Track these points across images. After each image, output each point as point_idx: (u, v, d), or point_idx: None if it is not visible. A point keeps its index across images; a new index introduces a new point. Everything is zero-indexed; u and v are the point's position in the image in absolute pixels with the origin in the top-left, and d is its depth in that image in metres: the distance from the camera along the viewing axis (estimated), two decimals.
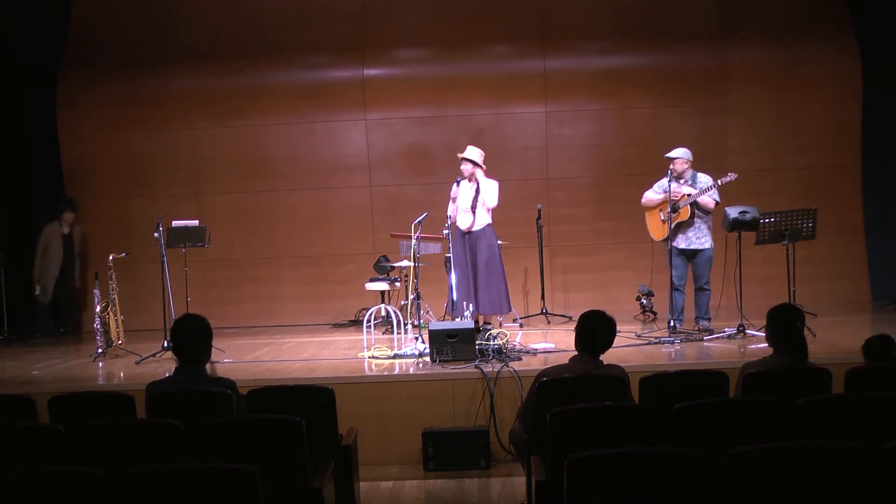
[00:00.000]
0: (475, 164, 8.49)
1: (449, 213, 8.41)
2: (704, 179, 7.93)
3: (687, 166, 8.01)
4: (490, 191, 8.48)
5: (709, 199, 7.87)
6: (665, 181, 7.95)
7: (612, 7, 10.81)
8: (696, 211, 7.92)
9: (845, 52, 10.59)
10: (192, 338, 4.33)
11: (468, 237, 8.51)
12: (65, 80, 10.92)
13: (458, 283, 8.22)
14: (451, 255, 8.07)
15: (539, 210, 9.96)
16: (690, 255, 8.04)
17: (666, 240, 7.99)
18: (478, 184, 8.49)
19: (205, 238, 8.39)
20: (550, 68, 10.85)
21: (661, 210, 8.10)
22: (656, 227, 8.20)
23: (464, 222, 8.50)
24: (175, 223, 8.31)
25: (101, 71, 10.89)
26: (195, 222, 8.60)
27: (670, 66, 10.78)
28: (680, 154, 8.04)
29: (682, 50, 10.80)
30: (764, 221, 7.65)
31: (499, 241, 8.86)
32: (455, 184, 8.50)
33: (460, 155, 8.56)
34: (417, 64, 11.10)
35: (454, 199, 8.45)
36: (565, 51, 10.89)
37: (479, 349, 6.70)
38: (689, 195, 7.84)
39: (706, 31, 10.78)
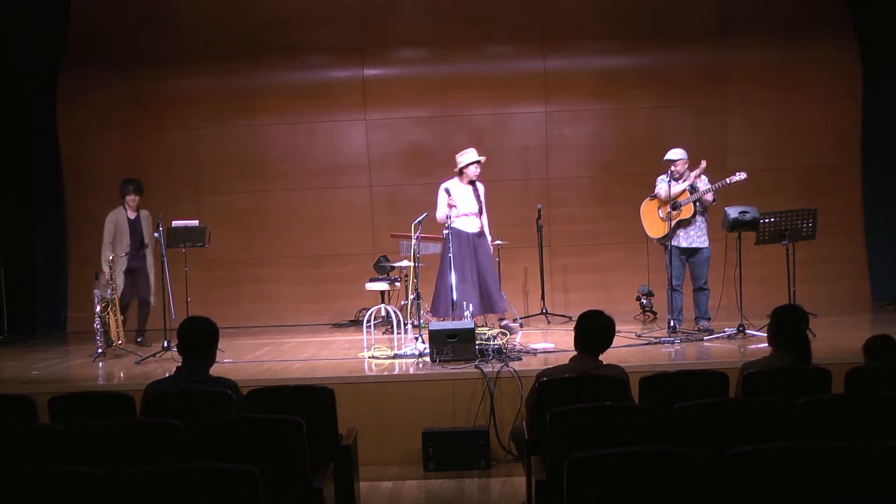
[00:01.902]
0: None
1: (440, 215, 8.14)
2: (704, 178, 7.96)
3: (687, 167, 8.04)
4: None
5: (709, 195, 7.91)
6: (664, 178, 7.97)
7: (612, 7, 10.81)
8: (698, 207, 7.94)
9: (845, 52, 10.59)
10: (197, 337, 4.34)
11: (478, 239, 8.32)
12: (65, 80, 10.91)
13: (458, 284, 8.14)
14: (451, 255, 7.97)
15: (539, 210, 9.95)
16: (689, 253, 8.03)
17: (663, 238, 8.00)
18: (475, 185, 8.44)
19: (205, 238, 8.39)
20: (550, 68, 10.85)
21: (659, 208, 8.10)
22: (653, 224, 8.18)
23: (473, 225, 8.28)
24: (175, 223, 8.30)
25: (101, 71, 10.89)
26: (195, 222, 8.59)
27: (670, 66, 10.78)
28: (681, 155, 8.07)
29: (682, 50, 10.81)
30: (764, 221, 7.65)
31: (497, 241, 8.82)
32: (446, 188, 8.17)
33: (477, 158, 8.26)
34: (417, 64, 11.10)
35: (452, 202, 8.12)
36: (565, 51, 10.88)
37: (479, 349, 6.70)
38: (699, 189, 7.84)
39: (706, 31, 10.77)
